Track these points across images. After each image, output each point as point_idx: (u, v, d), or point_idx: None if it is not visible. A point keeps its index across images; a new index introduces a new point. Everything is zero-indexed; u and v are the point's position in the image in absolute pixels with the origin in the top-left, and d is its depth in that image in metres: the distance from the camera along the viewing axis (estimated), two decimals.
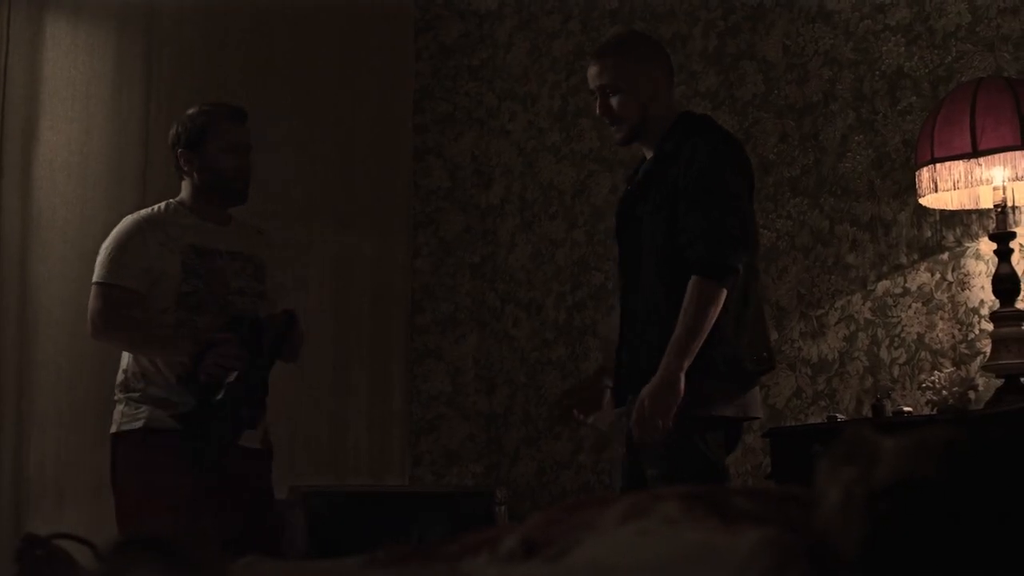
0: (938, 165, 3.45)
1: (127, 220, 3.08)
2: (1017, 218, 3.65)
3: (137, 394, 2.98)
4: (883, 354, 3.89)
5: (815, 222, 4.09)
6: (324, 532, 4.12)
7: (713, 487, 1.02)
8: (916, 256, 3.88)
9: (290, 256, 4.57)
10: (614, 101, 2.85)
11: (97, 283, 3.00)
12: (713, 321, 2.66)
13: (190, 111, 3.15)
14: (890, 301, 3.91)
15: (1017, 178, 3.42)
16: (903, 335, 3.87)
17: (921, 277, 3.87)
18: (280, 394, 4.50)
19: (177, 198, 3.14)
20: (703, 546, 0.91)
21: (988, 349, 3.57)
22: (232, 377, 2.87)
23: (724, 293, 2.67)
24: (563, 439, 4.56)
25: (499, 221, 4.85)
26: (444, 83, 5.03)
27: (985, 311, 3.69)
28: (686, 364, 2.64)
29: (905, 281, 3.89)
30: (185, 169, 3.10)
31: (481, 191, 4.91)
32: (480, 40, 4.99)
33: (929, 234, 3.86)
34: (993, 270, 3.55)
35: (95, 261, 3.07)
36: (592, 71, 2.89)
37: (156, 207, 3.12)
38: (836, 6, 4.12)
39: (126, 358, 3.04)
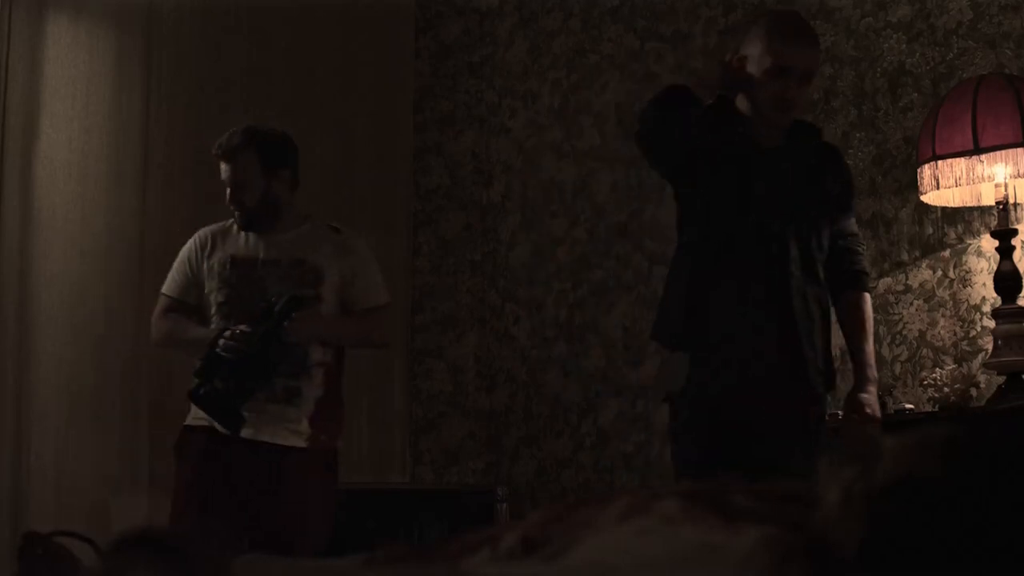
0: (939, 162, 3.45)
1: (195, 235, 3.30)
2: (1019, 215, 3.65)
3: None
4: (884, 351, 3.88)
5: None
6: None
7: (713, 485, 1.02)
8: (918, 253, 3.88)
9: None
10: (798, 91, 2.73)
11: (161, 293, 3.30)
12: None
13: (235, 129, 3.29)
14: (891, 298, 3.90)
15: (1018, 175, 3.42)
16: (904, 332, 3.87)
17: (923, 274, 3.86)
18: None
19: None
20: (703, 545, 0.91)
21: (990, 346, 3.57)
22: (228, 353, 3.03)
23: None
24: (564, 437, 4.56)
25: (499, 219, 4.85)
26: (444, 81, 5.03)
27: (987, 308, 3.69)
28: None
29: (907, 278, 3.89)
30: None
31: (481, 189, 4.91)
32: (480, 38, 4.99)
33: (930, 231, 3.86)
34: (995, 267, 3.55)
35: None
36: (809, 53, 2.74)
37: (225, 223, 3.28)
38: (837, 3, 4.12)
39: None
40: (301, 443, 3.13)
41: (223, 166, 3.19)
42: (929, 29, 3.94)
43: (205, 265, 3.20)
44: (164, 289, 3.28)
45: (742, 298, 2.70)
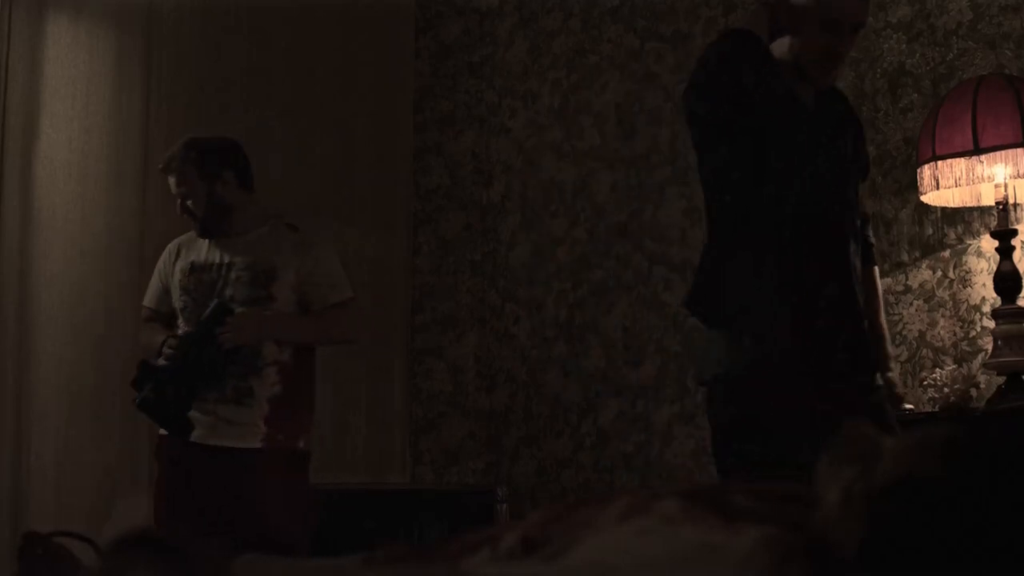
0: (939, 162, 3.45)
1: (168, 245, 3.41)
2: (1018, 215, 3.65)
3: None
4: None
5: None
6: (324, 530, 4.12)
7: (713, 485, 1.02)
8: (917, 253, 3.88)
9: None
10: (853, 42, 2.51)
11: None
12: None
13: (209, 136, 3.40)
14: (891, 299, 3.90)
15: (1018, 175, 3.42)
16: (904, 332, 3.87)
17: (923, 274, 3.86)
18: None
19: None
20: (702, 545, 0.91)
21: (990, 346, 3.57)
22: (166, 360, 3.13)
23: None
24: (564, 437, 4.56)
25: (499, 219, 4.85)
26: (444, 81, 5.03)
27: (987, 308, 3.69)
28: None
29: (906, 279, 3.89)
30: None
31: (481, 189, 4.91)
32: (480, 38, 4.99)
33: (930, 231, 3.86)
34: (994, 267, 3.55)
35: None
36: (861, 3, 2.49)
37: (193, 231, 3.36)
38: None
39: None
40: (256, 444, 3.14)
41: (170, 180, 3.29)
42: (929, 29, 3.94)
43: (172, 273, 3.30)
44: (144, 300, 3.40)
45: (797, 270, 2.39)
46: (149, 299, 3.37)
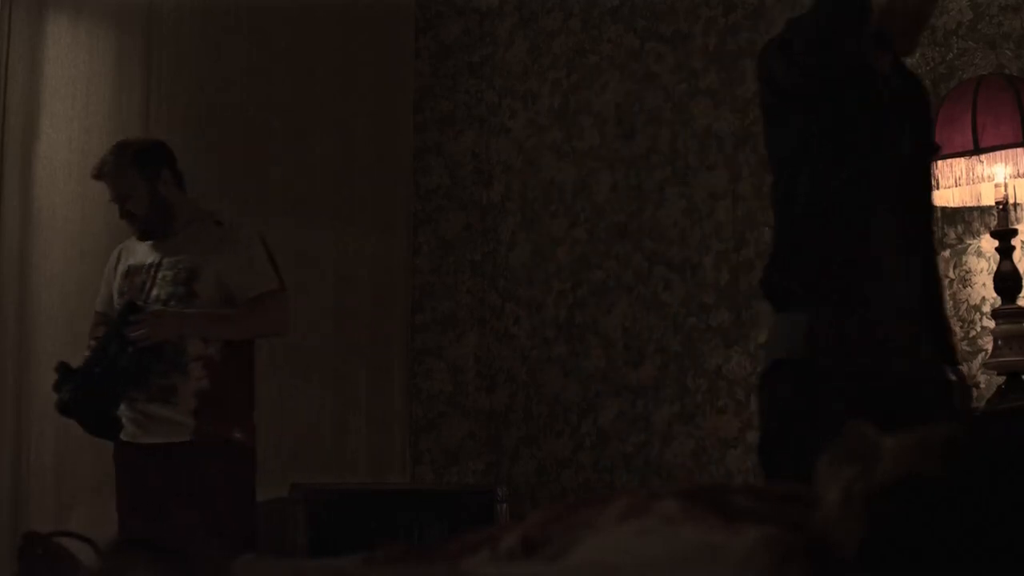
0: (939, 162, 3.45)
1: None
2: (1018, 215, 3.65)
3: None
4: None
5: None
6: (324, 530, 4.12)
7: (713, 485, 1.02)
8: None
9: (290, 254, 4.58)
10: (934, 7, 2.43)
11: None
12: None
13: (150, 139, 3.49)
14: None
15: (1018, 175, 3.42)
16: None
17: None
18: (281, 393, 4.51)
19: None
20: (702, 545, 0.91)
21: (990, 346, 3.57)
22: (85, 364, 3.15)
23: None
24: (564, 437, 4.56)
25: (499, 219, 4.84)
26: (444, 81, 5.03)
27: (987, 308, 3.69)
28: None
29: None
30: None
31: (481, 189, 4.91)
32: (480, 38, 4.99)
33: None
34: (995, 267, 3.55)
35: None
36: None
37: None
38: None
39: None
40: (186, 438, 3.16)
41: (106, 186, 3.29)
42: (929, 29, 3.94)
43: (115, 277, 3.34)
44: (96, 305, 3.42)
45: (881, 246, 2.25)
46: (99, 303, 3.40)
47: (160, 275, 3.24)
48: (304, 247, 4.61)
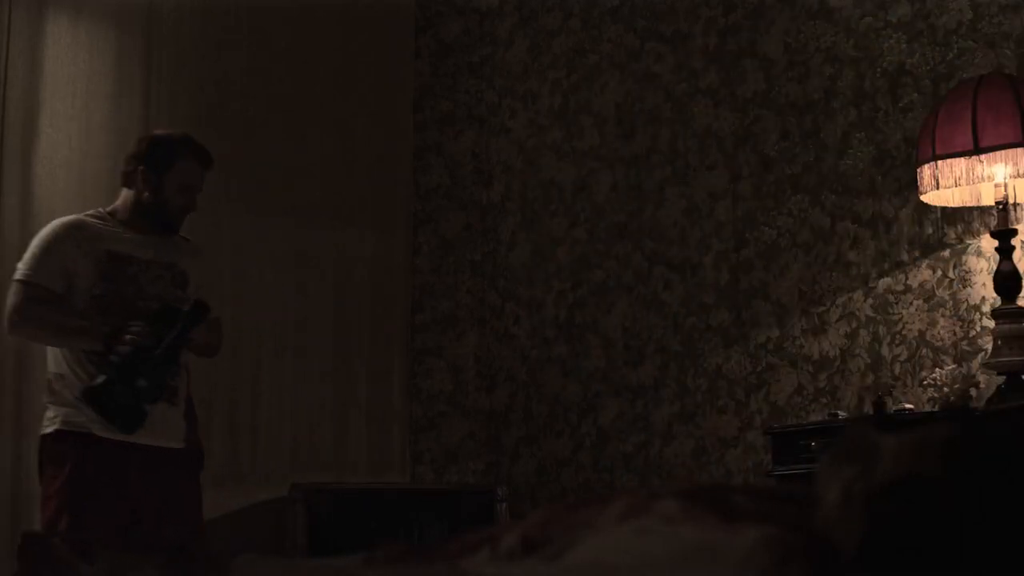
0: (939, 162, 3.45)
1: (54, 223, 3.20)
2: (1018, 215, 3.65)
3: (54, 397, 3.10)
4: (884, 351, 3.88)
5: (816, 219, 4.09)
6: (325, 530, 4.12)
7: (713, 485, 1.02)
8: (917, 253, 3.88)
9: (290, 254, 4.58)
10: None
11: (17, 280, 3.12)
12: None
13: (162, 132, 3.32)
14: (891, 298, 3.90)
15: (1018, 175, 3.42)
16: (904, 332, 3.87)
17: (922, 274, 3.86)
18: (280, 392, 4.51)
19: (110, 207, 3.25)
20: (702, 544, 0.91)
21: (989, 346, 3.57)
22: (127, 351, 2.97)
23: None
24: (563, 437, 4.56)
25: (499, 219, 4.85)
26: (444, 81, 5.03)
27: (986, 308, 3.69)
28: None
29: (906, 278, 3.89)
30: (139, 186, 3.21)
31: (481, 189, 4.91)
32: (480, 38, 4.99)
33: (930, 231, 3.86)
34: (994, 267, 3.55)
35: None
36: None
37: (85, 214, 3.22)
38: (837, 3, 4.11)
39: (52, 362, 3.13)
40: (179, 444, 3.16)
41: (186, 169, 3.20)
42: (929, 29, 3.94)
43: (78, 257, 3.11)
44: (30, 276, 3.11)
45: None
46: (40, 276, 3.10)
47: (154, 274, 3.18)
48: (304, 247, 4.62)
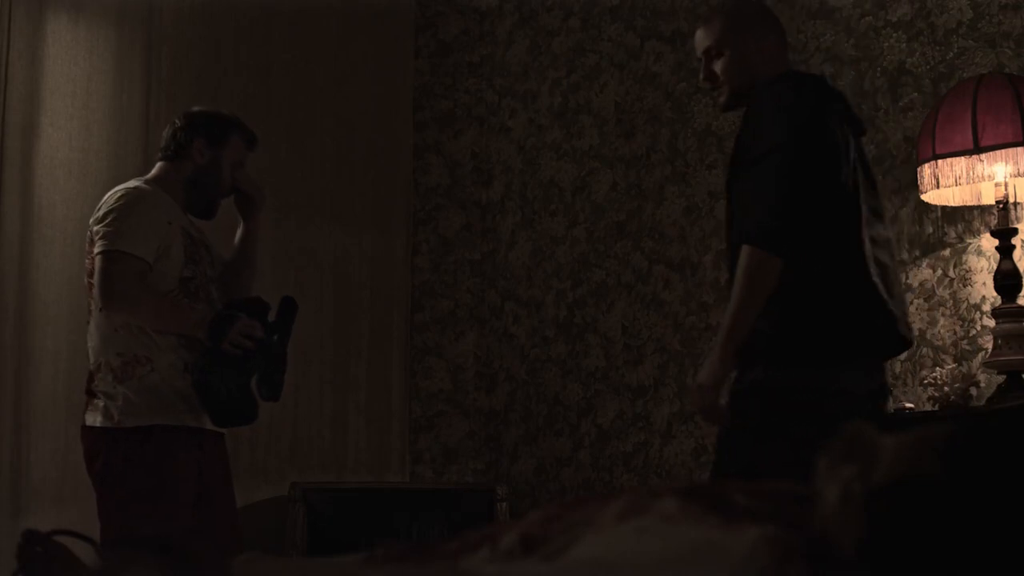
0: (939, 161, 3.45)
1: (125, 190, 2.92)
2: (1019, 214, 3.65)
3: (118, 385, 2.89)
4: None
5: None
6: (324, 529, 4.12)
7: (712, 484, 1.02)
8: (918, 252, 3.88)
9: (290, 253, 4.58)
10: (717, 65, 2.69)
11: (110, 251, 2.80)
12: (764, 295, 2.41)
13: (218, 111, 3.13)
14: None
15: (1019, 174, 3.42)
16: None
17: (923, 273, 3.86)
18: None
19: (158, 179, 3.00)
20: (702, 544, 0.91)
21: (990, 345, 3.57)
22: (250, 345, 2.89)
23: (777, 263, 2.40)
24: (563, 436, 4.56)
25: (499, 218, 4.85)
26: (444, 80, 5.03)
27: (987, 307, 3.69)
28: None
29: (907, 277, 3.89)
30: (194, 157, 3.01)
31: (481, 188, 4.91)
32: (480, 37, 4.99)
33: (931, 230, 3.86)
34: (995, 266, 3.55)
35: None
36: (697, 36, 2.73)
37: (143, 182, 2.97)
38: (837, 2, 4.11)
39: (107, 350, 2.90)
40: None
41: (240, 146, 3.07)
42: (929, 28, 3.94)
43: (170, 234, 2.89)
44: (125, 247, 2.80)
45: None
46: (140, 248, 2.81)
47: (206, 256, 3.02)
48: (304, 247, 4.62)
